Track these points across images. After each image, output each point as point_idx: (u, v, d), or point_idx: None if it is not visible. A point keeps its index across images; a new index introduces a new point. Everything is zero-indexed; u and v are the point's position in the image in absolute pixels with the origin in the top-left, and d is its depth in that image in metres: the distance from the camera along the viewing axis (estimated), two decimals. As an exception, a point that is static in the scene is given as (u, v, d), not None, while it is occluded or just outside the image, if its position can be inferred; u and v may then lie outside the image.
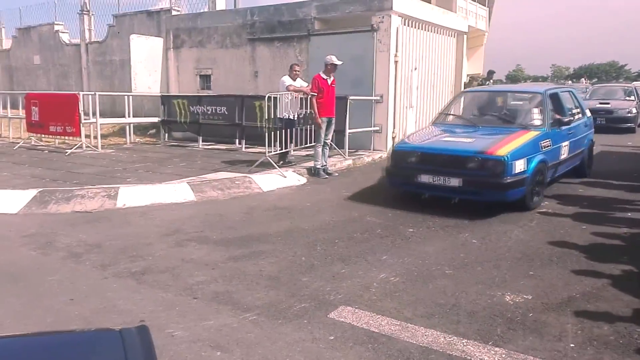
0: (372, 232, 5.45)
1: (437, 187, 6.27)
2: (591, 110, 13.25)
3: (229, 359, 2.96)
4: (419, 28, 11.62)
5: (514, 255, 4.74)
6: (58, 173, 8.26)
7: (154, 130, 12.97)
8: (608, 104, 15.99)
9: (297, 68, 9.19)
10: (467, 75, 15.19)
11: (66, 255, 4.73)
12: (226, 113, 11.27)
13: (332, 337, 3.20)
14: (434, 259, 4.62)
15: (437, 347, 3.07)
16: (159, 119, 12.39)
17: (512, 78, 75.65)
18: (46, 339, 1.55)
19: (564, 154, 7.08)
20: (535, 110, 7.05)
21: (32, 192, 6.58)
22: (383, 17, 10.66)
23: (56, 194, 6.56)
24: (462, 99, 8.54)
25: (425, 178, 6.33)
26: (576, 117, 7.74)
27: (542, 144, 6.45)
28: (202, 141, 11.95)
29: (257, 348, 3.08)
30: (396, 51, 10.81)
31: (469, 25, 14.63)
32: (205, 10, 14.85)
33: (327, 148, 8.66)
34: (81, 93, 11.16)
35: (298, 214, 6.26)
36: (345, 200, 7.00)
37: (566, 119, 7.13)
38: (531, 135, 6.48)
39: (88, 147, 10.88)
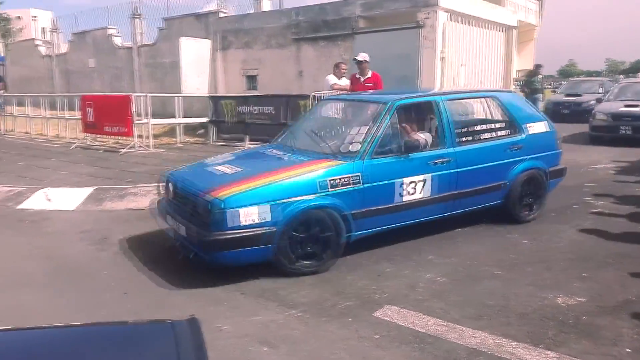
0: (418, 231, 5.39)
1: (175, 234, 4.48)
2: (613, 116, 11.33)
3: (275, 354, 3.01)
4: (466, 23, 11.40)
5: (567, 256, 4.58)
6: (112, 172, 8.59)
7: (202, 130, 13.27)
8: (637, 106, 11.62)
9: (343, 66, 9.17)
10: (517, 70, 14.76)
11: (120, 250, 4.92)
12: (272, 113, 11.40)
13: (377, 336, 3.20)
14: (482, 259, 4.53)
15: (486, 349, 3.01)
16: (208, 119, 12.67)
17: (565, 73, 73.01)
18: (101, 329, 1.63)
19: (415, 193, 4.75)
20: (357, 131, 4.80)
21: (88, 190, 6.87)
22: (429, 13, 10.52)
23: (110, 191, 6.83)
24: (319, 109, 6.29)
25: (170, 219, 4.55)
26: (482, 136, 5.28)
27: (332, 181, 4.31)
28: (249, 140, 12.13)
29: (303, 345, 3.11)
30: (442, 47, 10.65)
31: (518, 20, 14.22)
32: (251, 11, 15.08)
33: None
34: (133, 94, 11.56)
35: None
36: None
37: (418, 143, 4.83)
38: (316, 168, 4.40)
39: (140, 146, 11.26)
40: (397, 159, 4.68)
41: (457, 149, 5.04)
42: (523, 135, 5.51)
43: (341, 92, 8.68)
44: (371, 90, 7.76)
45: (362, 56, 8.21)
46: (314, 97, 8.35)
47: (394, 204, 4.67)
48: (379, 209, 4.58)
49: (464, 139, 5.15)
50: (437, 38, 10.48)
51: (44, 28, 25.37)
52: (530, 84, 14.27)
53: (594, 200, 6.52)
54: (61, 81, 20.24)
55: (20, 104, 14.32)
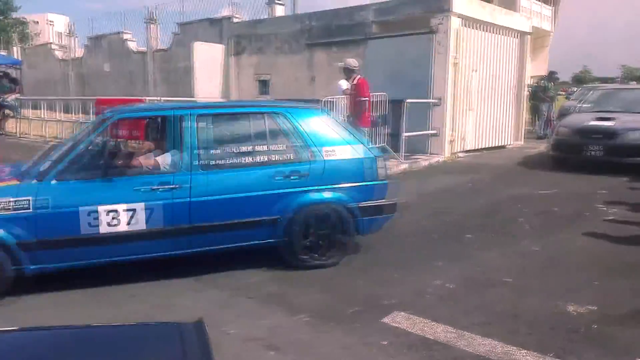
0: (428, 236, 5.37)
1: None
2: (582, 131, 8.63)
3: (282, 359, 3.01)
4: (479, 29, 11.35)
5: (578, 264, 4.53)
6: (124, 175, 8.64)
7: (214, 134, 13.36)
8: (609, 120, 8.95)
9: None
10: (530, 77, 14.67)
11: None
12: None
13: (385, 342, 3.18)
14: (492, 266, 4.50)
15: (494, 357, 2.99)
16: (219, 123, 12.73)
17: (579, 80, 72.32)
18: (108, 330, 1.65)
19: (120, 224, 3.94)
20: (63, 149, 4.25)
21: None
22: (442, 19, 10.50)
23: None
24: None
25: None
26: (242, 160, 4.32)
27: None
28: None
29: (310, 350, 3.11)
30: (455, 53, 10.61)
31: (532, 26, 14.14)
32: (265, 17, 15.17)
33: None
34: (147, 99, 11.67)
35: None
36: (400, 204, 6.92)
37: (125, 164, 4.32)
38: None
39: (152, 150, 11.34)
40: (93, 182, 3.95)
41: (195, 173, 4.15)
42: (312, 162, 4.45)
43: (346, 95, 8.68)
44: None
45: (347, 62, 8.22)
46: (325, 102, 8.38)
47: (82, 236, 3.88)
48: (59, 241, 3.84)
49: (212, 162, 4.25)
50: (450, 44, 10.45)
51: (60, 32, 25.75)
52: (545, 91, 14.17)
53: (607, 208, 6.45)
54: (76, 85, 20.50)
55: (36, 107, 14.53)
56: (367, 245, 5.05)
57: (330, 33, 12.83)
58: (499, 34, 12.07)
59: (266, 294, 3.94)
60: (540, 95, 14.18)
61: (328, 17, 13.04)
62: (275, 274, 4.35)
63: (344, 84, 8.93)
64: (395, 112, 9.58)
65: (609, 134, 8.66)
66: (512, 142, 12.81)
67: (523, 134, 13.51)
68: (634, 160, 8.38)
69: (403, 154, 9.77)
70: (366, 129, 8.16)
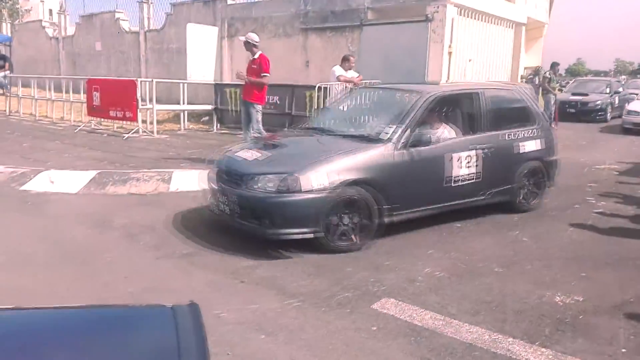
0: (418, 225, 5.39)
1: None
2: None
3: (272, 342, 3.03)
4: (475, 18, 11.33)
5: (566, 255, 4.59)
6: (116, 156, 8.61)
7: (207, 118, 13.26)
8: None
9: (352, 59, 9.14)
10: (525, 67, 14.68)
11: (121, 235, 4.94)
12: (277, 102, 11.37)
13: (374, 328, 3.22)
14: (481, 256, 4.54)
15: (482, 345, 3.03)
16: (212, 107, 12.66)
17: (572, 72, 72.57)
18: (101, 311, 1.64)
19: None
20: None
21: (91, 174, 6.89)
22: (438, 7, 10.46)
23: (114, 176, 6.85)
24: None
25: None
26: None
27: None
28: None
29: (300, 334, 3.14)
30: (450, 42, 10.60)
31: (527, 17, 14.12)
32: (260, -1, 15.01)
33: (248, 136, 7.79)
34: (139, 79, 11.54)
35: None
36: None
37: None
38: None
39: (144, 132, 11.26)
40: None
41: None
42: None
43: (347, 85, 8.66)
44: None
45: (249, 37, 8.02)
46: (320, 87, 8.35)
47: None
48: None
49: None
50: (446, 32, 10.43)
51: (51, 10, 25.32)
52: (550, 82, 14.09)
53: (596, 201, 6.52)
54: (67, 64, 20.22)
55: (26, 85, 14.32)
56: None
57: (326, 18, 12.73)
58: (495, 24, 12.06)
59: (257, 278, 3.96)
60: (546, 87, 14.14)
61: (323, 2, 12.93)
62: (267, 258, 4.37)
63: (339, 70, 8.90)
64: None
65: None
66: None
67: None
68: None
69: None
70: (260, 106, 7.99)
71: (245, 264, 4.22)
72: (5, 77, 14.57)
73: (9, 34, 22.09)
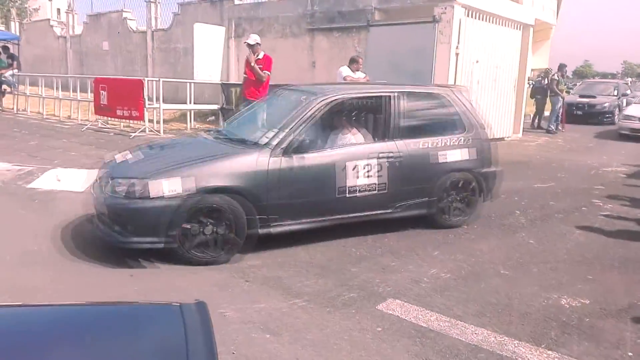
0: (424, 226, 5.39)
1: None
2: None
3: (277, 342, 3.04)
4: (482, 20, 11.29)
5: (573, 258, 4.57)
6: (122, 155, 8.62)
7: (213, 117, 13.30)
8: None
9: (360, 61, 9.15)
10: (532, 69, 14.61)
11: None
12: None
13: (379, 329, 3.22)
14: (487, 258, 4.53)
15: (487, 347, 3.03)
16: (218, 106, 12.69)
17: (580, 74, 72.24)
18: (108, 309, 1.65)
19: None
20: None
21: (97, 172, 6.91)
22: (446, 8, 10.42)
23: (120, 174, 6.87)
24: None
25: None
26: None
27: None
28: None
29: (306, 333, 3.14)
30: (458, 43, 10.56)
31: (535, 18, 14.07)
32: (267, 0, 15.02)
33: None
34: (146, 79, 11.58)
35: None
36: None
37: None
38: None
39: (151, 131, 11.30)
40: None
41: None
42: None
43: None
44: None
45: (253, 39, 8.40)
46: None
47: None
48: None
49: None
50: (453, 33, 10.39)
51: (59, 9, 25.44)
52: (556, 84, 14.01)
53: (603, 203, 6.49)
54: (75, 63, 20.31)
55: (33, 83, 14.40)
56: (363, 234, 5.06)
57: (332, 18, 12.72)
58: (502, 25, 12.01)
59: (263, 278, 3.96)
60: (554, 89, 14.06)
61: (330, 2, 12.92)
62: (273, 258, 4.37)
63: (346, 71, 8.90)
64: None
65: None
66: (511, 135, 12.82)
67: (522, 126, 13.51)
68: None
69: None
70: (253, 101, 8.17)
71: (251, 264, 4.22)
72: (13, 75, 14.64)
73: (17, 33, 22.21)
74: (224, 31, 14.96)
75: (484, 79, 11.74)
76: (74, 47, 20.44)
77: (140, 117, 11.12)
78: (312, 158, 4.54)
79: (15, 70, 14.94)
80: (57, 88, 13.37)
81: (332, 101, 4.88)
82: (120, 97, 11.34)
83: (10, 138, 10.01)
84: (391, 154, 4.83)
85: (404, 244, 4.83)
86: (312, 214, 4.57)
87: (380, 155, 4.79)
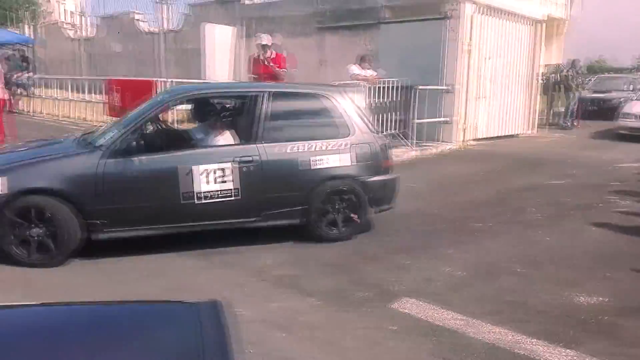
0: (439, 224, 5.36)
1: None
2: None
3: (292, 340, 3.03)
4: (493, 16, 11.19)
5: (590, 256, 4.51)
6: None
7: (224, 117, 13.34)
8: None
9: (368, 58, 9.16)
10: (545, 65, 14.46)
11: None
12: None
13: (394, 327, 3.20)
14: (503, 255, 4.48)
15: (504, 345, 3.00)
16: (230, 106, 12.71)
17: (593, 69, 71.31)
18: (125, 308, 1.65)
19: None
20: None
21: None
22: (456, 5, 10.36)
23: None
24: None
25: None
26: None
27: None
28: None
29: (319, 332, 3.13)
30: (469, 40, 10.49)
31: (548, 13, 13.93)
32: (277, -1, 15.03)
33: None
34: (157, 80, 11.64)
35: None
36: (409, 191, 6.89)
37: None
38: None
39: (163, 131, 11.34)
40: None
41: None
42: None
43: (364, 83, 8.66)
44: None
45: (267, 39, 8.54)
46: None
47: None
48: None
49: None
50: (464, 30, 10.32)
51: (71, 11, 25.65)
52: (572, 80, 13.84)
53: (619, 200, 6.40)
54: (87, 65, 20.48)
55: (48, 86, 14.54)
56: (377, 232, 5.05)
57: (342, 16, 12.69)
58: (514, 21, 11.91)
59: (277, 276, 3.97)
60: (568, 84, 13.88)
61: (340, 1, 12.90)
62: (287, 257, 4.37)
63: (354, 69, 8.88)
64: (407, 99, 9.51)
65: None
66: (524, 131, 12.69)
67: (536, 123, 13.36)
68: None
69: (415, 141, 9.71)
70: None
71: (266, 263, 4.23)
72: (28, 78, 14.81)
73: (31, 36, 22.45)
74: (234, 31, 15.00)
75: (496, 75, 11.64)
76: (87, 49, 20.62)
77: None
78: (151, 161, 4.28)
79: (30, 73, 15.10)
80: (71, 90, 13.49)
81: (179, 100, 4.91)
82: (133, 98, 11.40)
83: (26, 140, 10.10)
84: (251, 158, 4.42)
85: (419, 242, 4.80)
86: (153, 220, 4.29)
87: (238, 159, 4.38)
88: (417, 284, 3.86)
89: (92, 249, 4.17)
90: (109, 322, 1.45)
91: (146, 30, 18.43)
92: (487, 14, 10.99)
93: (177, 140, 4.81)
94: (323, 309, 3.44)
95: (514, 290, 3.77)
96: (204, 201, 4.30)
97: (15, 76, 14.22)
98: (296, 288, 3.76)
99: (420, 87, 9.66)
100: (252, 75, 8.44)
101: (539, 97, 13.52)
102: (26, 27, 23.90)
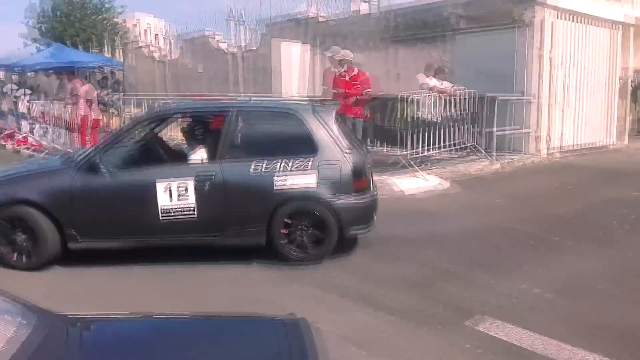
0: (522, 241, 5.20)
1: None
2: None
3: (364, 355, 3.10)
4: (576, 21, 10.72)
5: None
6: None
7: (299, 132, 13.66)
8: None
9: (446, 70, 9.08)
10: (635, 71, 13.57)
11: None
12: (366, 115, 11.42)
13: (468, 346, 3.18)
14: (586, 273, 4.30)
15: (587, 369, 2.89)
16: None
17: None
18: (213, 321, 1.79)
19: None
20: None
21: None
22: (536, 12, 10.03)
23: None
24: None
25: None
26: None
27: None
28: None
29: (392, 348, 3.18)
30: (550, 47, 10.10)
31: (637, 17, 13.10)
32: (349, 15, 15.24)
33: None
34: (236, 97, 12.17)
35: (441, 218, 6.18)
36: (494, 206, 6.73)
37: None
38: None
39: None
40: None
41: None
42: None
43: (433, 93, 8.58)
44: None
45: (347, 54, 8.09)
46: (402, 97, 8.37)
47: None
48: None
49: None
50: (545, 37, 9.95)
51: (157, 34, 27.34)
52: None
53: None
54: (172, 84, 21.68)
55: (137, 105, 15.60)
56: (453, 247, 5.00)
57: (415, 28, 12.66)
58: (599, 26, 11.33)
59: (351, 291, 4.04)
60: None
61: (412, 13, 12.87)
62: (365, 273, 4.43)
63: (423, 78, 8.82)
64: (485, 109, 9.30)
65: None
66: (612, 141, 11.95)
67: (626, 132, 12.53)
68: None
69: (495, 153, 9.44)
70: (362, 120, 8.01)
71: (339, 277, 4.32)
72: (119, 99, 15.97)
73: (122, 60, 24.16)
74: (308, 48, 15.41)
75: (581, 83, 11.10)
76: (172, 70, 21.87)
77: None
78: (119, 175, 4.55)
79: (121, 94, 16.28)
80: (157, 109, 14.37)
81: (151, 119, 5.36)
82: (214, 116, 11.97)
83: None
84: (212, 176, 4.49)
85: (499, 259, 4.70)
86: (121, 233, 4.54)
87: (200, 176, 4.49)
88: (496, 302, 3.80)
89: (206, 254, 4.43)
90: (200, 336, 1.58)
91: (226, 50, 19.29)
92: (569, 20, 10.55)
93: (149, 156, 5.09)
94: (396, 325, 3.48)
95: (597, 309, 3.62)
96: (168, 216, 4.47)
97: (107, 97, 15.41)
98: (369, 303, 3.82)
99: (500, 97, 9.41)
100: (333, 90, 8.36)
101: (628, 105, 12.71)
102: (117, 50, 25.79)
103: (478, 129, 9.46)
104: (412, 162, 8.29)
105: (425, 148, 8.54)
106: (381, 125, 11.08)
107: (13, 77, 24.74)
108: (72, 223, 4.49)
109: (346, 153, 4.64)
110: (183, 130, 5.81)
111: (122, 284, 4.24)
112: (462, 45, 11.16)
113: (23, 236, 4.49)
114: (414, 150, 8.45)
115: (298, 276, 4.34)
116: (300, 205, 4.61)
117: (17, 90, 19.32)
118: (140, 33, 29.96)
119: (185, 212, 4.47)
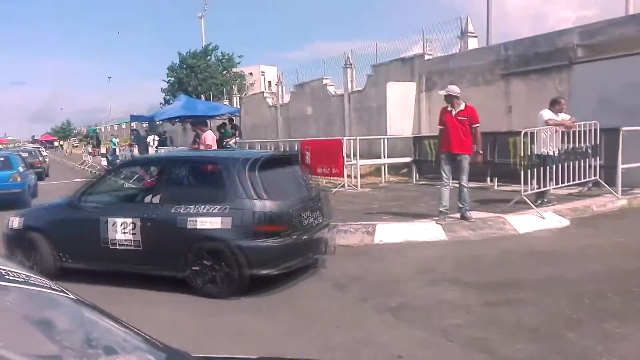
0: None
1: None
2: None
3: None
4: None
5: None
6: (325, 210, 9.24)
7: (405, 170, 13.54)
8: None
9: (563, 102, 8.57)
10: None
11: (332, 285, 5.26)
12: (480, 152, 11.06)
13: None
14: None
15: None
16: (411, 159, 12.91)
17: None
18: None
19: None
20: None
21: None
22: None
23: (323, 229, 7.37)
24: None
25: None
26: None
27: None
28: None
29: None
30: (687, 72, 9.15)
31: None
32: (457, 51, 15.06)
33: (463, 189, 7.55)
34: (344, 138, 12.42)
35: (561, 259, 5.72)
36: (620, 247, 6.11)
37: None
38: None
39: (349, 186, 11.96)
40: None
41: None
42: None
43: (557, 129, 8.09)
44: None
45: (451, 90, 7.60)
46: (526, 133, 7.94)
47: None
48: None
49: None
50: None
51: (270, 81, 29.03)
52: None
53: None
54: (284, 128, 22.76)
55: (252, 147, 16.53)
56: (579, 293, 4.56)
57: (529, 61, 12.20)
58: None
59: (466, 338, 3.81)
60: None
61: (525, 45, 12.45)
62: (476, 317, 4.19)
63: (547, 114, 8.36)
64: (609, 142, 8.58)
65: None
66: None
67: None
68: None
69: (620, 188, 8.64)
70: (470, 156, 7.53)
71: (452, 322, 4.11)
72: (236, 143, 17.02)
73: (238, 106, 25.90)
74: (414, 86, 15.40)
75: None
76: (283, 114, 22.98)
77: (340, 174, 11.87)
78: (87, 211, 5.70)
79: (238, 139, 17.37)
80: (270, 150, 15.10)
81: (119, 168, 7.75)
82: (322, 156, 12.31)
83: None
84: (147, 216, 5.31)
85: (632, 306, 4.20)
86: (88, 258, 5.64)
87: (140, 215, 5.34)
88: (632, 356, 3.36)
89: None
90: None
91: (333, 92, 19.91)
92: None
93: (117, 196, 6.50)
94: (519, 377, 3.19)
95: None
96: (115, 247, 5.41)
97: (225, 141, 16.50)
98: (488, 353, 3.55)
99: (626, 128, 8.64)
100: (440, 127, 8.13)
101: None
102: (234, 98, 27.71)
103: (601, 163, 8.73)
104: (527, 199, 7.82)
105: (541, 183, 8.03)
106: (491, 160, 10.66)
107: (144, 125, 27.54)
108: (61, 248, 5.69)
109: (256, 200, 5.08)
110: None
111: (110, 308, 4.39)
112: (581, 75, 10.50)
113: (32, 255, 5.75)
114: (530, 187, 7.97)
115: (415, 321, 4.19)
116: (208, 245, 5.13)
117: (147, 137, 21.43)
118: (255, 80, 32.05)
119: (127, 245, 5.40)
